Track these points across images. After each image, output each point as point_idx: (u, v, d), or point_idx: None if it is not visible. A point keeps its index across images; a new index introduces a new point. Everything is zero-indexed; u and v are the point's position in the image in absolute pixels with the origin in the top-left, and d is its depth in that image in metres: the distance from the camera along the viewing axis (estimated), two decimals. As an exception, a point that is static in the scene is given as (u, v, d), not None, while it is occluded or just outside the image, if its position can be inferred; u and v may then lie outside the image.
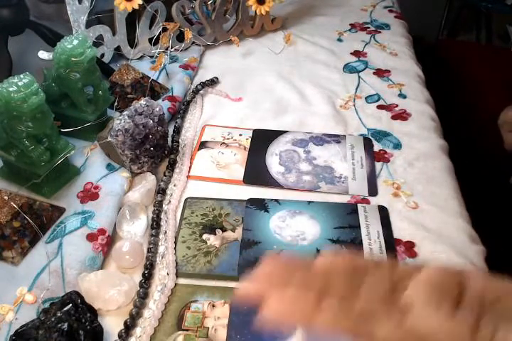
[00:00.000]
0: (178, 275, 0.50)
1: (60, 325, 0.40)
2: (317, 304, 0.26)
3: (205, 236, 0.54)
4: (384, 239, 0.53)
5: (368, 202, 0.58)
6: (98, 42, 0.75)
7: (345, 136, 0.67)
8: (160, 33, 0.79)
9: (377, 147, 0.65)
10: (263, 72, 0.81)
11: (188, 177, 0.61)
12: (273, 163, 0.63)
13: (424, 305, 0.25)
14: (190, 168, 0.62)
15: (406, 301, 0.25)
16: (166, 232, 0.53)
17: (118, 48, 0.79)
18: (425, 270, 0.26)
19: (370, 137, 0.67)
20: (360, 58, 0.85)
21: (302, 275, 0.27)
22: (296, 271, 0.28)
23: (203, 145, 0.66)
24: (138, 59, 0.82)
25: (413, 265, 0.28)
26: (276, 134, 0.67)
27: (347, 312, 0.26)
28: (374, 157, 0.64)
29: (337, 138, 0.67)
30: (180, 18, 0.81)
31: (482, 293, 0.25)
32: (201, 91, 0.76)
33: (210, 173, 0.62)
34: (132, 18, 0.77)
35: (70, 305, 0.42)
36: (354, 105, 0.73)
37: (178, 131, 0.67)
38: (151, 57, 0.82)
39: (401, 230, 0.54)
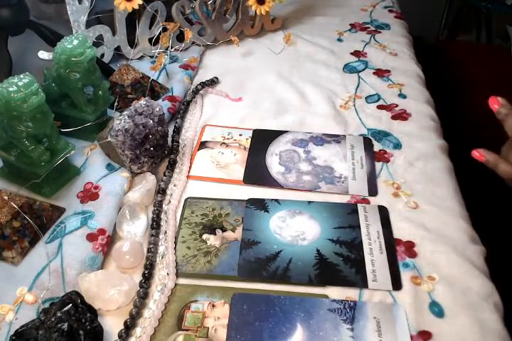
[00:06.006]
0: (178, 275, 0.50)
1: (60, 325, 0.40)
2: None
3: (205, 236, 0.54)
4: (384, 239, 0.53)
5: (367, 202, 0.58)
6: (98, 42, 0.76)
7: (345, 136, 0.67)
8: (160, 33, 0.79)
9: (377, 147, 0.65)
10: (263, 72, 0.81)
11: (188, 177, 0.61)
12: (273, 163, 0.63)
13: None
14: (190, 168, 0.62)
15: None
16: (166, 232, 0.53)
17: (118, 48, 0.79)
18: None
19: (370, 137, 0.67)
20: (360, 58, 0.85)
21: None
22: None
23: (203, 145, 0.66)
24: (138, 59, 0.82)
25: None
26: (276, 134, 0.67)
27: None
28: (374, 157, 0.64)
29: (337, 138, 0.67)
30: (180, 18, 0.81)
31: None
32: (201, 92, 0.76)
33: (210, 173, 0.62)
34: (132, 18, 0.77)
35: (70, 305, 0.42)
36: (354, 105, 0.73)
37: (178, 131, 0.67)
38: (151, 57, 0.82)
39: (401, 230, 0.54)
